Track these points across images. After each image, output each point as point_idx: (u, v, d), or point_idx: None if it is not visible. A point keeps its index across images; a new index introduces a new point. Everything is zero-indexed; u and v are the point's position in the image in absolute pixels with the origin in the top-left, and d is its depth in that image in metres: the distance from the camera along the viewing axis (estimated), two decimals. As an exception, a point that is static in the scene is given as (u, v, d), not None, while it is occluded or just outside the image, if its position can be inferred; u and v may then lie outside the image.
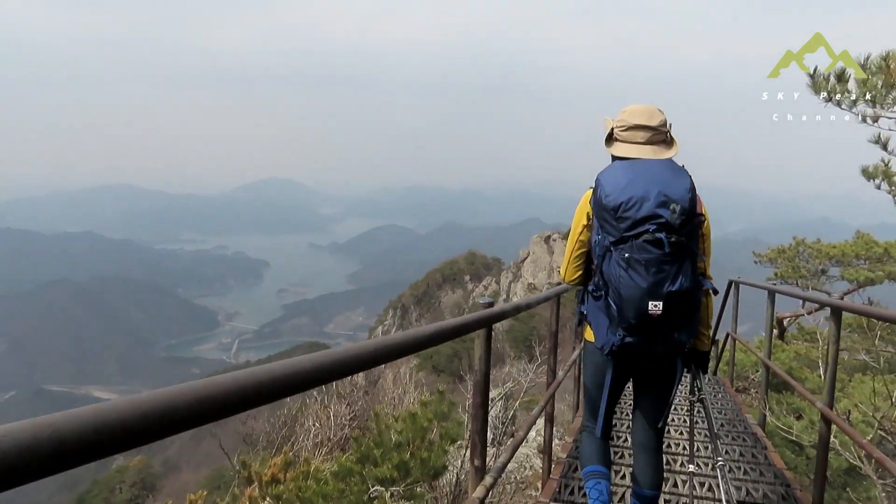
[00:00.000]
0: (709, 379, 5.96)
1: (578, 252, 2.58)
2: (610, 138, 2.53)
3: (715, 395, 6.37)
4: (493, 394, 7.49)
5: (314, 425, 6.28)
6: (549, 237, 40.74)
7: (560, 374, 4.17)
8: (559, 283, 3.71)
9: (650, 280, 2.20)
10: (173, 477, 27.46)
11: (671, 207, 2.22)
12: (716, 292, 2.58)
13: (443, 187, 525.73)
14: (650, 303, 2.21)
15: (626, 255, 2.22)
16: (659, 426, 2.71)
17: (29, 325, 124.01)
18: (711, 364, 7.50)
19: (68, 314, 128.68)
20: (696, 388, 2.91)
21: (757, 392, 7.41)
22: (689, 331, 2.40)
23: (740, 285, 6.58)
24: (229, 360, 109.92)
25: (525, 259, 42.09)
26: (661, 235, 2.19)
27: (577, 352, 4.69)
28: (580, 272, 2.61)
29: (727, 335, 7.23)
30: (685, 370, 2.71)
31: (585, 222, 2.50)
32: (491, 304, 2.32)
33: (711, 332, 2.75)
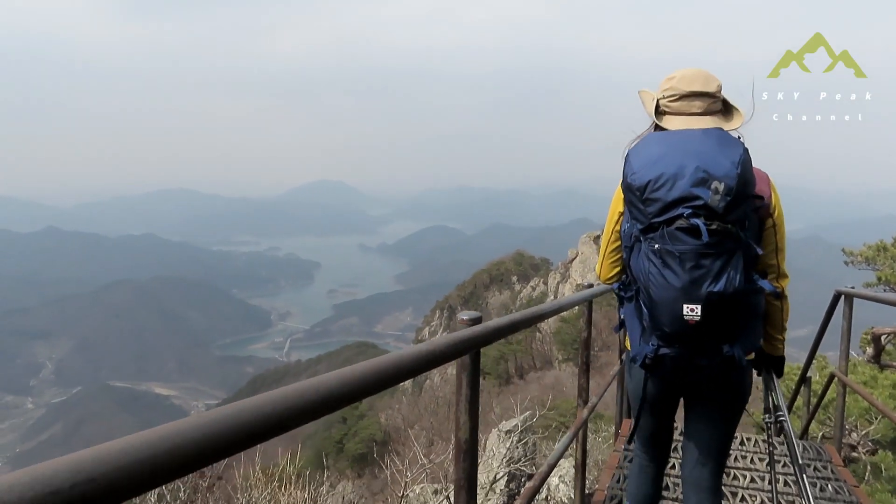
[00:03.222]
0: (804, 448, 4.39)
1: (615, 245, 2.18)
2: (657, 112, 2.07)
3: (815, 472, 4.09)
4: (509, 424, 6.58)
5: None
6: (597, 237, 39.92)
7: (594, 399, 3.41)
8: (590, 286, 3.37)
9: (685, 278, 1.77)
10: (226, 474, 28.09)
11: (712, 186, 1.78)
12: (777, 296, 2.09)
13: (490, 188, 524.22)
14: (685, 306, 1.79)
15: (657, 245, 1.82)
16: (715, 460, 2.23)
17: (94, 324, 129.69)
18: (799, 422, 5.63)
19: (131, 313, 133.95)
20: (770, 406, 2.35)
21: (871, 460, 5.47)
22: (745, 342, 1.97)
23: (853, 300, 4.18)
24: (281, 358, 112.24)
25: (574, 259, 41.42)
26: (699, 222, 1.75)
27: (618, 366, 4.16)
28: (617, 269, 2.22)
29: (831, 376, 4.56)
30: (752, 384, 2.22)
31: (621, 209, 2.10)
32: (478, 320, 1.60)
33: (784, 336, 2.25)
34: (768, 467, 2.53)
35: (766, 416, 2.38)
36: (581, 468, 3.26)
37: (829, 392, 4.99)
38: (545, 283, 42.52)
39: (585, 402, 3.20)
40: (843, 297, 4.26)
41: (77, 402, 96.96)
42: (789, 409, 4.63)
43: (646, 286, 1.87)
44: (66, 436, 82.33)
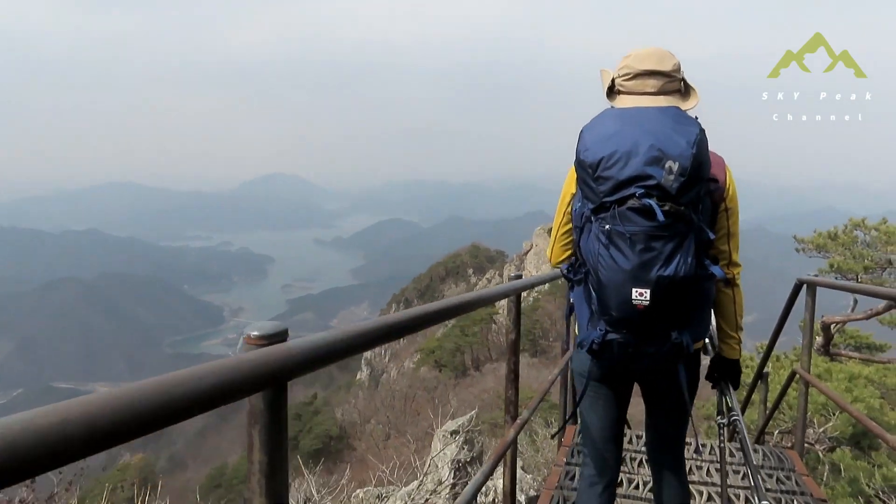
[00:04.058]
0: (763, 454, 4.09)
1: (566, 228, 2.10)
2: (611, 92, 1.99)
3: (777, 483, 3.67)
4: (453, 425, 6.23)
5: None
6: (551, 229, 40.48)
7: (524, 413, 2.86)
8: (518, 276, 2.99)
9: (636, 260, 1.71)
10: (178, 474, 27.43)
11: (666, 166, 1.70)
12: (728, 282, 2.03)
13: (447, 181, 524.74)
14: (634, 290, 1.72)
15: (607, 226, 1.74)
16: (674, 447, 2.24)
17: (36, 324, 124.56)
18: (754, 420, 5.44)
19: (75, 312, 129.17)
20: (723, 408, 2.30)
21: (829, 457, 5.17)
22: (695, 330, 1.92)
23: (815, 289, 3.85)
24: (235, 355, 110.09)
25: (528, 251, 41.83)
26: (651, 202, 1.68)
27: (567, 355, 3.73)
28: (569, 251, 2.13)
29: (792, 374, 4.20)
30: (697, 380, 2.14)
31: (573, 190, 2.02)
32: (520, 277, 2.48)
33: (741, 336, 2.15)
34: (720, 462, 2.40)
35: (720, 417, 2.31)
36: (510, 497, 2.77)
37: (790, 391, 4.64)
38: (500, 276, 42.85)
39: (514, 418, 2.64)
40: (805, 286, 3.83)
41: (18, 405, 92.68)
42: (744, 408, 4.43)
43: (595, 268, 1.80)
44: (6, 440, 78.95)
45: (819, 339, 7.25)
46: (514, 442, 2.61)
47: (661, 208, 1.68)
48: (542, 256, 39.28)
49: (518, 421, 2.65)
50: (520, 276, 2.64)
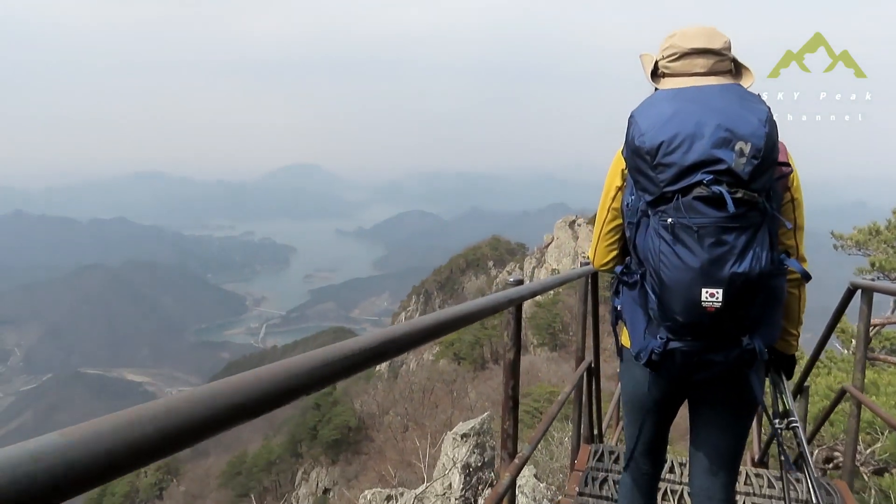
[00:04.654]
0: (813, 480, 2.62)
1: (612, 225, 1.87)
2: (655, 75, 1.80)
3: None
4: (465, 427, 5.90)
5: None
6: (573, 222, 40.08)
7: (525, 448, 2.38)
8: (519, 282, 2.29)
9: (705, 257, 1.51)
10: (200, 461, 27.87)
11: (737, 147, 1.51)
12: (807, 278, 1.80)
13: (468, 172, 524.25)
14: (704, 290, 1.52)
15: (669, 220, 1.55)
16: (727, 470, 1.96)
17: (65, 310, 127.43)
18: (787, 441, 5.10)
19: (102, 299, 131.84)
20: (779, 409, 2.02)
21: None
22: (766, 333, 1.68)
23: (872, 295, 3.32)
24: (257, 344, 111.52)
25: (549, 244, 41.55)
26: (722, 189, 1.49)
27: (582, 366, 3.43)
28: (615, 253, 1.91)
29: (842, 392, 3.65)
30: (764, 386, 1.89)
31: (619, 183, 1.81)
32: (520, 282, 1.99)
33: (800, 331, 1.95)
34: (781, 476, 2.12)
35: (777, 420, 2.03)
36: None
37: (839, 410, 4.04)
38: (521, 269, 42.64)
39: (512, 456, 2.12)
40: (860, 291, 3.27)
41: (47, 390, 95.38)
42: None
43: (656, 268, 1.59)
44: (36, 424, 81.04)
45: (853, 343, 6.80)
46: (511, 487, 2.10)
47: (732, 196, 1.49)
48: (564, 249, 38.97)
49: (517, 461, 2.14)
50: (520, 282, 2.08)
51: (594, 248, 1.97)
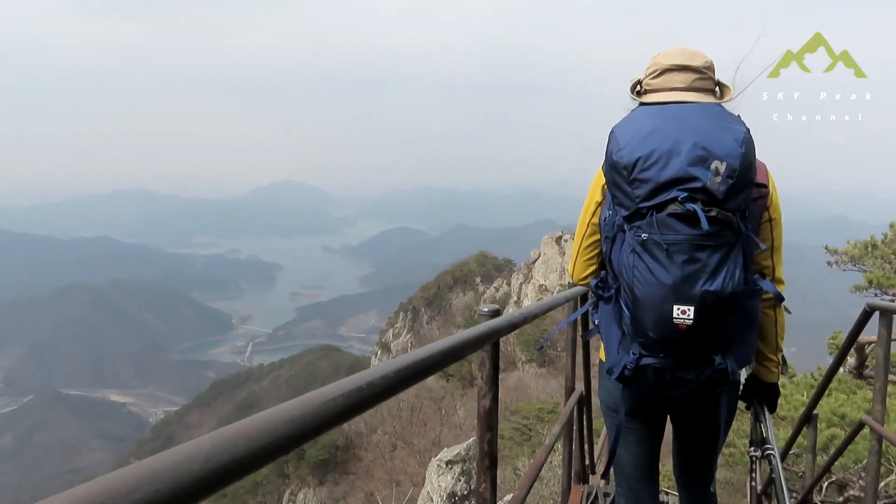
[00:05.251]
0: None
1: (591, 240, 1.89)
2: (637, 93, 1.85)
3: None
4: (449, 454, 5.59)
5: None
6: (560, 237, 40.26)
7: (525, 474, 2.22)
8: (497, 312, 1.93)
9: (678, 273, 1.52)
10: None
11: (712, 166, 1.53)
12: (780, 300, 1.81)
13: (455, 189, 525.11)
14: (675, 307, 1.53)
15: (643, 235, 1.56)
16: (704, 479, 2.06)
17: (46, 330, 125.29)
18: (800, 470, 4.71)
19: (85, 318, 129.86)
20: (758, 438, 2.07)
21: None
22: (739, 355, 1.71)
23: (892, 318, 2.83)
24: (243, 363, 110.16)
25: (536, 260, 41.68)
26: (696, 207, 1.51)
27: (573, 399, 3.09)
28: (593, 267, 1.92)
29: (860, 424, 3.29)
30: (738, 408, 1.97)
31: (599, 199, 1.83)
32: (497, 313, 1.60)
33: (780, 359, 1.94)
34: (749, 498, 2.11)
35: (752, 448, 2.05)
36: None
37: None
38: (508, 284, 42.73)
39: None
40: (878, 313, 2.91)
41: (28, 411, 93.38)
42: (784, 454, 3.74)
43: (629, 283, 1.61)
44: (17, 446, 79.40)
45: (851, 361, 6.49)
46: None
47: (706, 213, 1.51)
48: (551, 265, 39.12)
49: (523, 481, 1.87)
50: (497, 312, 1.64)
51: (573, 262, 1.99)
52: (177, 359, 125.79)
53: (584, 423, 3.46)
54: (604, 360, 1.90)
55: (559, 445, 3.26)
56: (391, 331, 47.12)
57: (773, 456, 2.00)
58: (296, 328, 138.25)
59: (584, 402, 3.43)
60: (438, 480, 5.33)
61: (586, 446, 3.58)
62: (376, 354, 45.62)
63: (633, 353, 1.67)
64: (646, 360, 1.65)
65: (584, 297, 3.07)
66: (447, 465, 5.43)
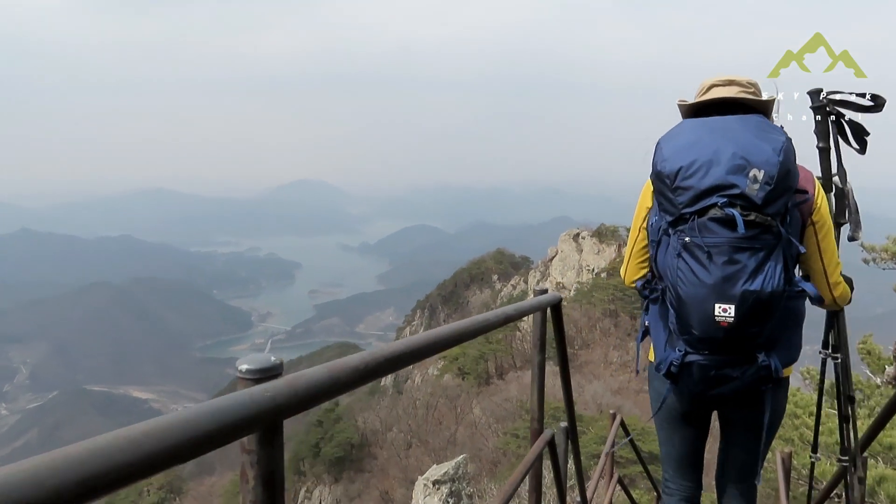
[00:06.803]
0: None
1: (643, 244, 1.99)
2: (687, 111, 1.99)
3: None
4: (437, 473, 5.14)
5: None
6: (577, 234, 39.92)
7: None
8: (542, 292, 2.07)
9: (718, 274, 1.61)
10: (204, 478, 27.65)
11: (750, 174, 1.63)
12: (820, 301, 1.89)
13: (473, 186, 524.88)
14: (717, 306, 1.61)
15: (686, 238, 1.67)
16: (747, 483, 2.09)
17: (70, 327, 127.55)
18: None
19: (108, 316, 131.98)
20: (848, 445, 2.09)
21: None
22: (782, 353, 1.76)
23: None
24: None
25: (553, 258, 41.39)
26: (734, 212, 1.60)
27: (539, 442, 2.23)
28: (644, 270, 2.02)
29: None
30: (783, 410, 2.01)
31: (649, 204, 1.94)
32: (545, 291, 1.96)
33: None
34: None
35: (843, 457, 2.03)
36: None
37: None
38: (525, 282, 42.48)
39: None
40: None
41: (53, 408, 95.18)
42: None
43: (673, 284, 1.71)
44: (41, 442, 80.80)
45: (889, 370, 6.04)
46: None
47: (744, 218, 1.60)
48: (568, 262, 38.82)
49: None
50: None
51: (626, 265, 2.11)
52: (197, 356, 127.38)
53: (569, 464, 2.76)
54: (652, 360, 1.99)
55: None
56: (409, 328, 47.16)
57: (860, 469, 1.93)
58: (314, 326, 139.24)
59: (566, 442, 2.70)
60: (425, 501, 5.02)
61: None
62: (393, 352, 45.59)
63: (679, 350, 1.76)
64: (691, 357, 1.74)
65: (556, 308, 2.28)
66: (434, 485, 5.09)
